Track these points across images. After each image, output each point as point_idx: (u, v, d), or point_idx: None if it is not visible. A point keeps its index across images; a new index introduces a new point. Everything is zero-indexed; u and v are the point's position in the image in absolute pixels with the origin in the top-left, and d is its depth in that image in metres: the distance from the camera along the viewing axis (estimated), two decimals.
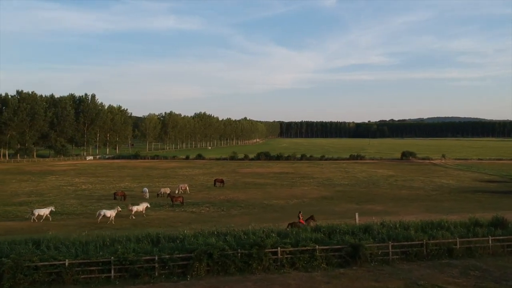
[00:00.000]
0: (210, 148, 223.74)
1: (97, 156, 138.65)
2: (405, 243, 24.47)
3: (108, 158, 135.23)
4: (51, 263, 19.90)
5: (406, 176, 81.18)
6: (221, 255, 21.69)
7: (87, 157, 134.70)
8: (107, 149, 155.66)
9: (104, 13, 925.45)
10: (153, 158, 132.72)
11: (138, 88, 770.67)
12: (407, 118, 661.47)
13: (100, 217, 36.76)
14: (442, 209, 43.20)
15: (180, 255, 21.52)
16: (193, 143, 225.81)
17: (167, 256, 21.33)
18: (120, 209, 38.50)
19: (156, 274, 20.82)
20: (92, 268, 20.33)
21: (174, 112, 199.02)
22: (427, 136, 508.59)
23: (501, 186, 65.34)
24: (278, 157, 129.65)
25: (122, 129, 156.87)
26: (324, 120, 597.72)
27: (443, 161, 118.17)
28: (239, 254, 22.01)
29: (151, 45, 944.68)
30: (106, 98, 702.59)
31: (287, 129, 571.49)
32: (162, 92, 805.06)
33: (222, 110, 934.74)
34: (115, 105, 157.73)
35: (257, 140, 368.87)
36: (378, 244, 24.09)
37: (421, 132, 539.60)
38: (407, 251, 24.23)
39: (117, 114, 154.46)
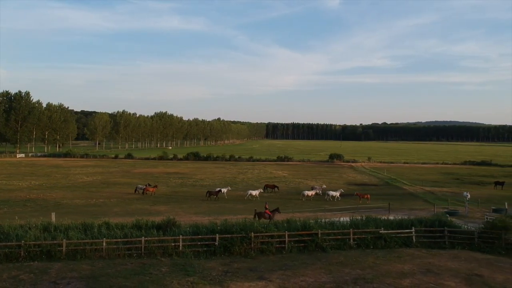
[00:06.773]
0: (170, 148, 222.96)
1: (30, 154, 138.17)
2: None
3: (40, 156, 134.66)
4: None
5: (292, 177, 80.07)
6: None
7: (17, 155, 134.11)
8: (47, 147, 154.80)
9: (109, 13, 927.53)
10: (82, 156, 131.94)
11: (143, 88, 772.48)
12: (405, 121, 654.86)
13: None
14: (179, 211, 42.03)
15: None
16: (153, 142, 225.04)
17: None
18: None
19: None
20: None
21: (126, 111, 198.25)
22: (414, 139, 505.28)
23: (359, 189, 63.77)
24: (207, 158, 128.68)
25: (62, 127, 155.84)
26: (312, 122, 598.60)
27: (363, 163, 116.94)
28: None
29: (156, 45, 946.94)
30: (109, 97, 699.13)
31: (274, 131, 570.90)
32: (168, 92, 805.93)
33: (225, 111, 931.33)
34: (55, 103, 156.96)
35: (234, 140, 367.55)
36: None
37: (408, 136, 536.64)
38: None
39: (56, 112, 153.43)
